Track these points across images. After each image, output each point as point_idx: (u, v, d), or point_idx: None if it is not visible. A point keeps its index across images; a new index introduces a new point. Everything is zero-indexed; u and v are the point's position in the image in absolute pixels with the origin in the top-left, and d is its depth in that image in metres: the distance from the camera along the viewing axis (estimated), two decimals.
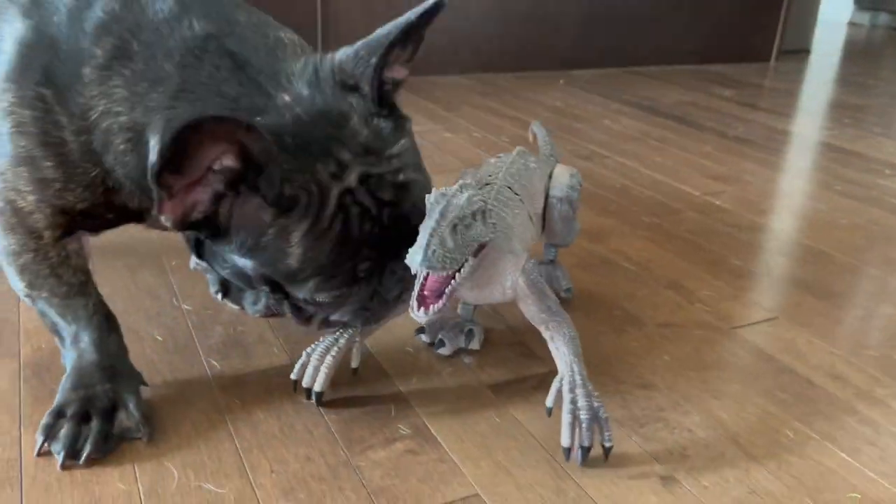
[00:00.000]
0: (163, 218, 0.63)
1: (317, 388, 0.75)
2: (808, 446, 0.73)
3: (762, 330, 0.94)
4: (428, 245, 0.60)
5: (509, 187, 0.79)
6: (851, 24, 4.85)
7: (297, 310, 0.72)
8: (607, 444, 0.69)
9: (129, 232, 1.14)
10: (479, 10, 2.45)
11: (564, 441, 0.68)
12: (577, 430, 0.68)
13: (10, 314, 0.90)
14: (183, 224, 0.63)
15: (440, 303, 0.65)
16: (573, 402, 0.68)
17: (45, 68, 0.66)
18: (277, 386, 0.78)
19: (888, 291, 1.07)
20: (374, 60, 0.65)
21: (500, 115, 1.96)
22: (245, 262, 0.67)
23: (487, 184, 0.79)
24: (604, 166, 1.58)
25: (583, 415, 0.68)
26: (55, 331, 0.74)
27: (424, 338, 0.87)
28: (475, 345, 0.87)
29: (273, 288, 0.69)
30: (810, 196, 1.46)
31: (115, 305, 0.92)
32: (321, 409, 0.75)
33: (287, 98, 0.65)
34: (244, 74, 0.66)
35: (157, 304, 0.94)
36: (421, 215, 0.64)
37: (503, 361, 0.85)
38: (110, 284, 0.98)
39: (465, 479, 0.67)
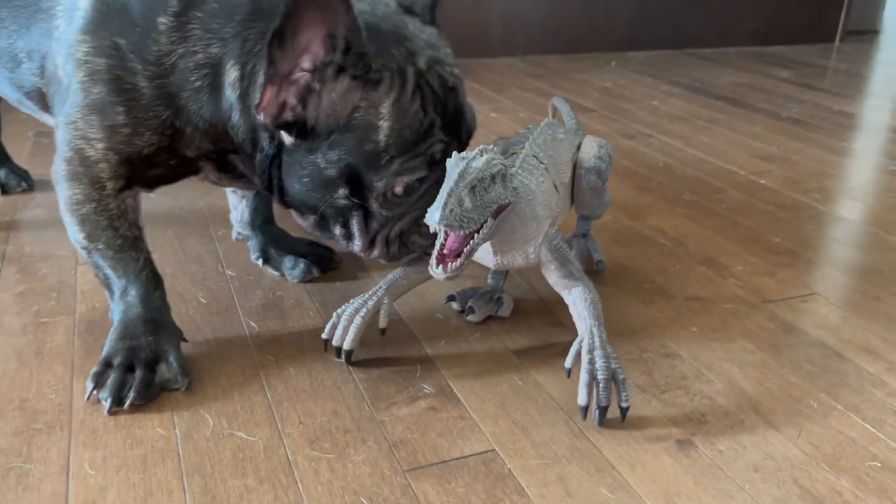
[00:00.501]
0: (261, 116, 0.68)
1: (346, 346, 0.78)
2: (830, 416, 0.73)
3: (796, 305, 0.94)
4: (445, 205, 0.63)
5: (534, 156, 0.80)
6: None
7: (365, 227, 0.75)
8: (624, 405, 0.70)
9: (180, 204, 1.19)
10: None
11: (581, 400, 0.70)
12: (594, 389, 0.70)
13: (69, 276, 0.96)
14: (276, 122, 0.69)
15: (458, 261, 0.67)
16: (591, 362, 0.70)
17: (119, 21, 0.71)
18: (310, 346, 0.82)
19: None
20: None
21: (547, 96, 1.96)
22: (329, 157, 0.70)
23: (513, 153, 0.81)
24: (648, 145, 1.57)
25: (600, 375, 0.70)
26: (106, 283, 0.79)
27: (455, 305, 0.90)
28: (504, 312, 0.89)
29: (353, 188, 0.72)
30: (860, 175, 1.43)
31: (165, 270, 0.97)
32: (350, 368, 0.78)
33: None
34: None
35: (202, 269, 0.99)
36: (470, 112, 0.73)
37: (530, 329, 0.87)
38: (161, 251, 1.03)
39: (483, 435, 0.69)
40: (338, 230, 0.76)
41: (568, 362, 0.72)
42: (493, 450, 0.67)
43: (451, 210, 0.63)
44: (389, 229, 0.75)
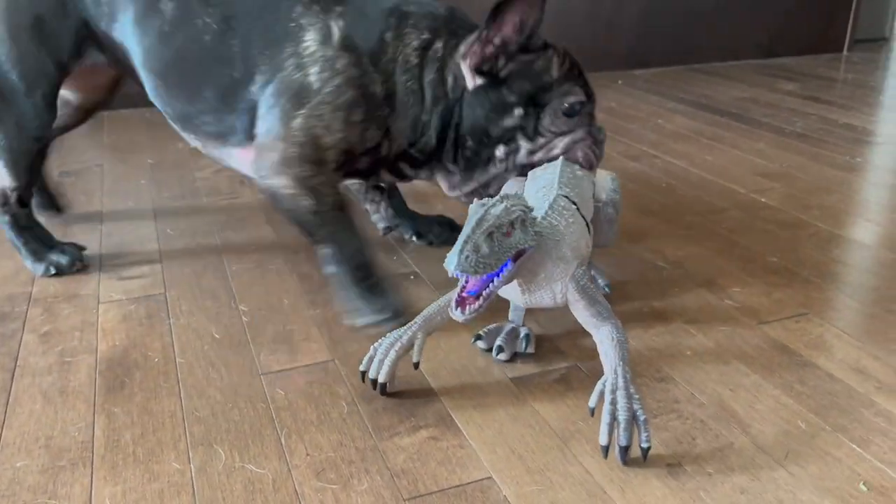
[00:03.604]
0: (467, 62, 0.96)
1: (381, 379, 0.81)
2: (818, 437, 0.75)
3: (789, 326, 0.96)
4: (461, 251, 0.67)
5: (566, 196, 0.83)
6: None
7: (530, 138, 0.98)
8: (644, 445, 0.71)
9: (197, 241, 1.24)
10: None
11: (602, 439, 0.71)
12: (615, 430, 0.72)
13: (91, 315, 1.01)
14: (476, 66, 0.96)
15: (477, 304, 0.71)
16: (613, 402, 0.71)
17: (362, 42, 0.96)
18: (318, 379, 0.86)
19: None
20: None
21: None
22: (513, 88, 0.96)
23: (544, 196, 0.84)
24: (651, 166, 1.60)
25: (621, 416, 0.71)
26: (332, 238, 0.97)
27: (482, 344, 0.91)
28: (531, 349, 0.90)
29: (527, 107, 0.97)
30: (859, 191, 1.45)
31: (182, 307, 1.02)
32: (356, 399, 0.82)
33: None
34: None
35: (216, 305, 1.03)
36: None
37: (529, 356, 0.90)
38: (178, 287, 1.08)
39: (481, 463, 0.72)
40: (500, 151, 0.99)
41: (592, 401, 0.73)
42: (490, 477, 0.71)
43: (467, 256, 0.67)
44: (563, 149, 0.98)
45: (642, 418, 0.71)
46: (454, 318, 0.72)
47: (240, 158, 1.04)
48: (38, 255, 1.13)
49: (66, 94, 1.20)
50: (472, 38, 0.96)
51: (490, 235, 0.68)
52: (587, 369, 0.87)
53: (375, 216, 1.26)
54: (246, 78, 0.98)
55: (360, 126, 0.96)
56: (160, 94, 1.05)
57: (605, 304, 0.78)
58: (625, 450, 0.71)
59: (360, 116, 0.95)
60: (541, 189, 0.86)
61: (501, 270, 0.72)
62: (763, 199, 1.40)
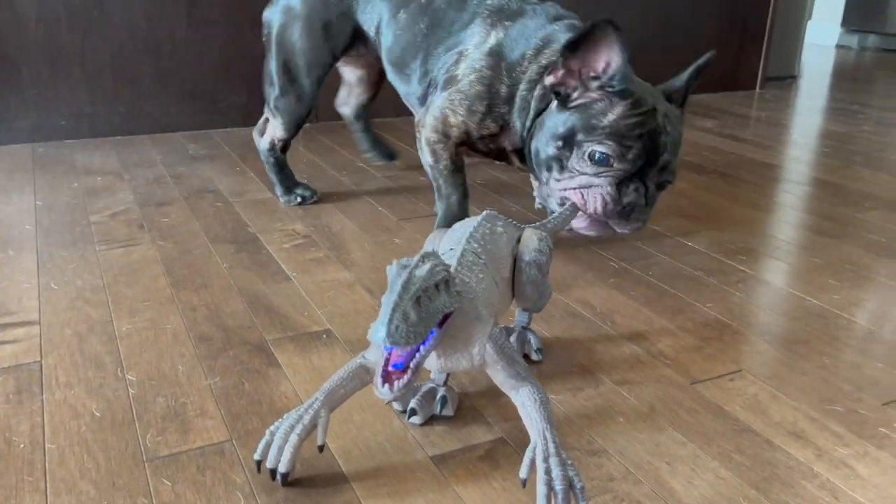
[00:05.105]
0: (548, 79, 1.12)
1: (282, 468, 0.71)
2: None
3: (723, 385, 0.91)
4: (391, 320, 0.58)
5: (473, 252, 0.77)
6: (839, 46, 4.86)
7: (560, 174, 1.14)
8: None
9: (85, 296, 1.12)
10: None
11: None
12: (552, 501, 0.65)
13: None
14: (553, 87, 1.12)
15: (405, 378, 0.63)
16: (547, 472, 0.65)
17: (504, 51, 1.22)
18: (211, 464, 0.75)
19: (855, 337, 1.04)
20: (684, 85, 1.22)
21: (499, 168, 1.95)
22: (566, 120, 1.11)
23: (452, 249, 0.77)
24: None
25: (557, 485, 0.65)
26: (437, 189, 1.31)
27: (396, 406, 0.84)
28: (448, 411, 0.83)
29: (565, 143, 1.11)
30: (782, 233, 1.44)
31: (59, 378, 0.90)
32: (254, 490, 0.72)
33: None
34: None
35: (100, 374, 0.91)
36: (665, 151, 1.11)
37: (450, 428, 0.82)
38: (56, 353, 0.96)
39: None
40: (544, 174, 1.17)
41: (523, 472, 0.67)
42: None
43: (397, 326, 0.59)
44: (578, 184, 1.12)
45: (579, 486, 0.65)
46: (380, 396, 0.63)
47: None
48: (288, 189, 1.54)
49: (356, 74, 1.70)
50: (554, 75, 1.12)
51: (417, 301, 0.60)
52: (514, 442, 0.80)
53: (535, 193, 1.48)
54: (433, 68, 1.30)
55: (479, 115, 1.22)
56: (393, 77, 1.41)
57: (522, 364, 0.72)
58: None
59: (481, 108, 1.21)
60: (453, 242, 0.80)
61: (428, 339, 0.64)
62: (690, 244, 1.37)
